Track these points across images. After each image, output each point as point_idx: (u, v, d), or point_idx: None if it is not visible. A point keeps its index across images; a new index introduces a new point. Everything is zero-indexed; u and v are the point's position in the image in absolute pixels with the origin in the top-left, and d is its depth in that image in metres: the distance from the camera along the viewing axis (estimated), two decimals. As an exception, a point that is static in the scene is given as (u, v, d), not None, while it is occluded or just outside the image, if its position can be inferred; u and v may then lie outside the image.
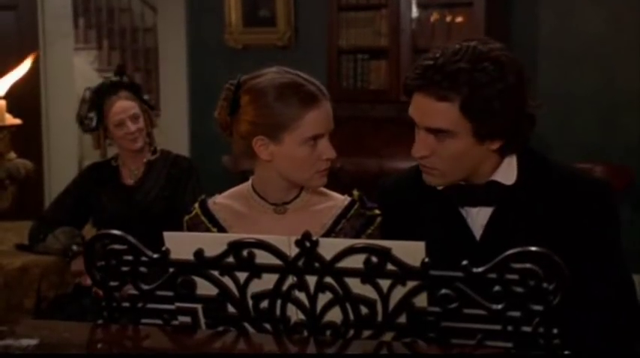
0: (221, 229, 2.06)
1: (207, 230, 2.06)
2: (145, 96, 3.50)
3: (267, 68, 2.02)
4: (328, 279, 1.44)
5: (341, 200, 2.08)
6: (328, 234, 2.01)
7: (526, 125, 1.88)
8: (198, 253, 1.48)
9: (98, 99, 3.38)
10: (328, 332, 1.47)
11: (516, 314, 1.39)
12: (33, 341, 1.46)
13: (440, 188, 1.96)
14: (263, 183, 2.05)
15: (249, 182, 2.09)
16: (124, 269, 1.53)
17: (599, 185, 1.94)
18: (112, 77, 3.47)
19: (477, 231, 1.93)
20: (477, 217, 1.93)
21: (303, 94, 1.96)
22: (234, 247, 1.46)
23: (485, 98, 1.79)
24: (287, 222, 2.03)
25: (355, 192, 2.08)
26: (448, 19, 4.96)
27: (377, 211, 2.05)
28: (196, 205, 2.12)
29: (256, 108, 1.97)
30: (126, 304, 1.55)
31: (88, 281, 3.19)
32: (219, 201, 2.11)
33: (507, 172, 1.92)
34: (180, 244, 1.50)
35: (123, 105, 3.36)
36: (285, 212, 2.04)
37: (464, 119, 1.82)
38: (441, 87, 1.81)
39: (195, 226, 2.09)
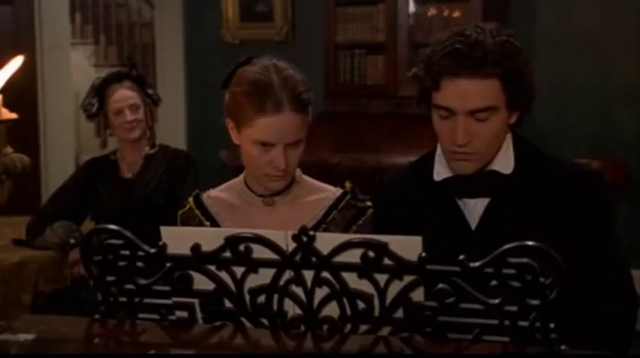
0: (214, 222, 2.06)
1: (201, 223, 2.07)
2: (150, 91, 3.50)
3: (269, 59, 2.00)
4: (325, 274, 1.45)
5: (333, 191, 2.08)
6: (319, 224, 2.01)
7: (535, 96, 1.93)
8: (195, 248, 1.48)
9: (101, 87, 3.42)
10: (325, 327, 1.48)
11: (513, 308, 1.40)
12: (30, 336, 1.46)
13: (438, 179, 1.97)
14: (250, 175, 2.06)
15: (242, 175, 2.10)
16: (121, 264, 1.53)
17: (593, 176, 1.97)
18: (121, 68, 3.51)
19: (474, 222, 1.94)
20: (475, 208, 1.94)
21: (265, 99, 1.91)
22: (231, 242, 1.46)
23: (518, 68, 1.85)
24: (279, 215, 2.03)
25: (347, 184, 2.09)
26: (445, 13, 4.96)
27: (369, 203, 2.06)
28: (190, 199, 2.12)
29: (230, 93, 2.00)
30: (123, 299, 1.55)
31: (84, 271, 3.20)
32: (213, 195, 2.12)
33: (505, 160, 1.93)
34: (177, 239, 1.50)
35: (123, 94, 3.39)
36: (273, 204, 2.04)
37: (502, 92, 1.85)
38: (483, 64, 1.82)
39: (188, 220, 2.09)
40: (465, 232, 1.93)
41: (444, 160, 1.96)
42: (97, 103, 3.41)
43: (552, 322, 1.38)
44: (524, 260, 1.37)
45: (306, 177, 2.09)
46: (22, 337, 1.46)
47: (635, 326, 1.94)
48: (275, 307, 1.49)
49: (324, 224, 2.02)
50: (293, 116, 1.92)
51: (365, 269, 1.42)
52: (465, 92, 1.83)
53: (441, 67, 1.84)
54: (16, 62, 3.30)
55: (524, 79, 1.87)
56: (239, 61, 2.03)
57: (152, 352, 1.43)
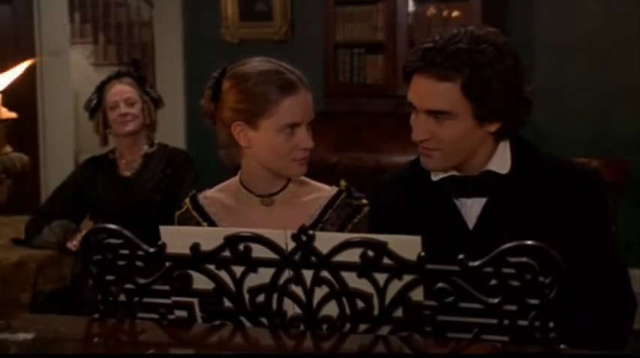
0: (212, 223, 2.07)
1: (198, 224, 2.07)
2: (149, 90, 3.51)
3: (252, 58, 2.05)
4: (325, 273, 1.44)
5: (328, 190, 2.09)
6: (315, 224, 2.02)
7: (523, 108, 1.90)
8: (195, 247, 1.47)
9: (102, 84, 3.47)
10: (325, 327, 1.47)
11: (512, 307, 1.40)
12: (29, 335, 1.46)
13: (435, 179, 1.97)
14: (248, 175, 2.07)
15: (238, 175, 2.10)
16: (120, 263, 1.53)
17: (590, 175, 1.97)
18: (122, 67, 3.57)
19: (471, 222, 1.94)
20: (472, 208, 1.94)
21: (282, 81, 1.97)
22: (231, 241, 1.46)
23: (485, 78, 1.82)
24: (275, 215, 2.03)
25: (342, 182, 2.09)
26: (445, 13, 4.96)
27: (364, 201, 2.06)
28: (187, 200, 2.13)
29: (236, 93, 2.00)
30: (122, 298, 1.55)
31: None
32: (209, 195, 2.12)
33: (502, 161, 1.93)
34: (177, 238, 1.50)
35: (120, 89, 3.42)
36: (272, 204, 2.05)
37: (464, 100, 1.83)
38: (442, 67, 1.82)
39: (185, 221, 2.09)
40: (462, 232, 1.94)
41: None
42: (96, 98, 3.43)
43: (551, 321, 1.38)
44: (524, 259, 1.37)
45: (302, 177, 2.10)
46: (22, 336, 1.45)
47: (632, 325, 1.94)
48: (274, 306, 1.49)
49: (320, 223, 2.03)
50: (307, 93, 2.01)
51: (364, 268, 1.42)
52: (421, 90, 1.87)
53: (408, 61, 1.89)
54: (22, 66, 3.30)
55: (493, 91, 1.83)
56: (218, 71, 2.06)
57: (151, 351, 1.43)
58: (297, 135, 1.98)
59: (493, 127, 1.89)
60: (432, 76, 1.84)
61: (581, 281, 1.80)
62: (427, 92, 1.86)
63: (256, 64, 2.02)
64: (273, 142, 1.97)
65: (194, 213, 2.10)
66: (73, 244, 3.33)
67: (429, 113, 1.87)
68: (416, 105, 1.89)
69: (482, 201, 1.93)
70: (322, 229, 2.00)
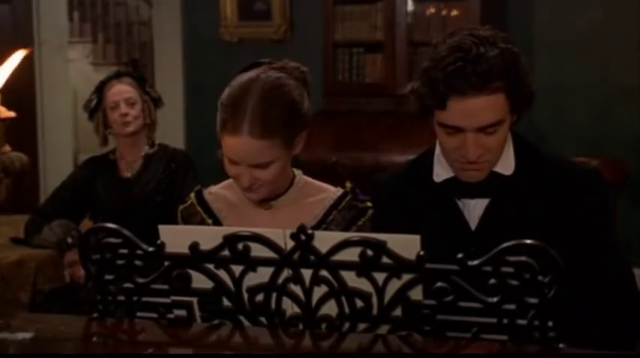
0: (216, 220, 2.06)
1: (203, 221, 2.06)
2: (149, 90, 3.51)
3: (265, 69, 1.94)
4: (324, 272, 1.44)
5: (333, 191, 2.07)
6: (319, 224, 2.01)
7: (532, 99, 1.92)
8: (194, 246, 1.47)
9: (101, 84, 3.46)
10: (324, 326, 1.48)
11: (512, 307, 1.40)
12: (28, 335, 1.46)
13: (438, 181, 1.96)
14: None
15: None
16: (119, 262, 1.53)
17: (591, 174, 1.97)
18: (121, 67, 3.57)
19: (474, 222, 1.93)
20: (474, 208, 1.93)
21: (230, 118, 1.87)
22: (230, 240, 1.46)
23: (519, 74, 1.83)
24: (280, 216, 2.02)
25: (348, 184, 2.08)
26: (444, 12, 4.96)
27: (369, 204, 2.05)
28: (192, 195, 2.11)
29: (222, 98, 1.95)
30: (121, 297, 1.55)
31: (80, 273, 3.22)
32: (214, 191, 2.11)
33: (506, 161, 1.93)
34: (176, 237, 1.50)
35: (120, 89, 3.41)
36: (270, 208, 2.03)
37: (507, 101, 1.83)
38: (490, 80, 1.79)
39: (190, 216, 2.08)
40: (464, 232, 1.93)
41: (444, 161, 1.95)
42: (96, 98, 3.43)
43: (551, 320, 1.38)
44: (523, 258, 1.37)
45: (306, 178, 2.08)
46: (21, 335, 1.45)
47: (636, 324, 1.93)
48: (273, 305, 1.49)
49: (324, 224, 2.02)
50: (251, 142, 1.85)
51: (363, 267, 1.42)
52: (473, 111, 1.81)
53: (447, 86, 1.79)
54: (18, 56, 3.30)
55: (526, 84, 1.85)
56: (242, 65, 1.99)
57: (150, 351, 1.43)
58: (238, 168, 1.91)
59: (514, 118, 1.90)
60: (480, 93, 1.79)
61: (583, 280, 1.80)
62: (479, 110, 1.81)
63: (241, 84, 1.90)
64: (225, 161, 1.95)
65: (198, 209, 2.08)
66: (71, 273, 3.35)
67: (480, 129, 1.83)
68: (465, 126, 1.83)
69: (485, 201, 1.93)
70: (326, 230, 1.98)
